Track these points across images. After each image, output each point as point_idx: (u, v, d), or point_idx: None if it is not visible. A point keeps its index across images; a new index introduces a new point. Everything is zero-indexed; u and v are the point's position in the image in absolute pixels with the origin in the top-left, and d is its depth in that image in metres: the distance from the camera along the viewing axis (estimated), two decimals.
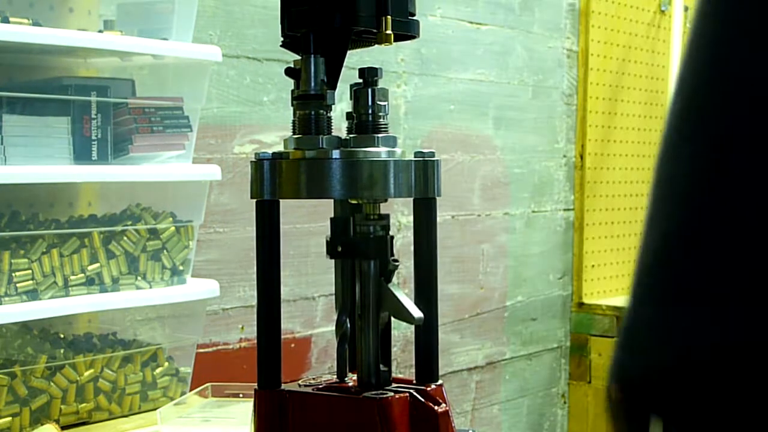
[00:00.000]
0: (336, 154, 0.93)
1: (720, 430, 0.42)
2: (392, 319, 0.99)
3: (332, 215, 1.00)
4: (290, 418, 0.95)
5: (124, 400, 1.67)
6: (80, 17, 1.79)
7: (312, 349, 2.31)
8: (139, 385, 1.69)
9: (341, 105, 1.12)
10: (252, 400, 0.98)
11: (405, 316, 0.94)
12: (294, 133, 0.96)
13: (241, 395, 1.64)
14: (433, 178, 0.97)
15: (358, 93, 0.96)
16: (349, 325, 0.97)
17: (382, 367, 0.96)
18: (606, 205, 3.18)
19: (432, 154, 0.97)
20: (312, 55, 0.94)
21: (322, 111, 0.95)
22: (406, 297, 0.94)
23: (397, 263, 0.96)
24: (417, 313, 0.93)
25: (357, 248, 0.96)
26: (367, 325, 0.96)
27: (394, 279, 0.96)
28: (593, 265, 3.14)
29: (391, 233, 0.98)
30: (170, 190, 1.75)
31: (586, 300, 3.11)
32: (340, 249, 0.96)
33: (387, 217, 0.97)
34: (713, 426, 0.42)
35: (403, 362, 2.48)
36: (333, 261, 0.99)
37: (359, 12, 0.94)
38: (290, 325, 2.24)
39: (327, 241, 0.97)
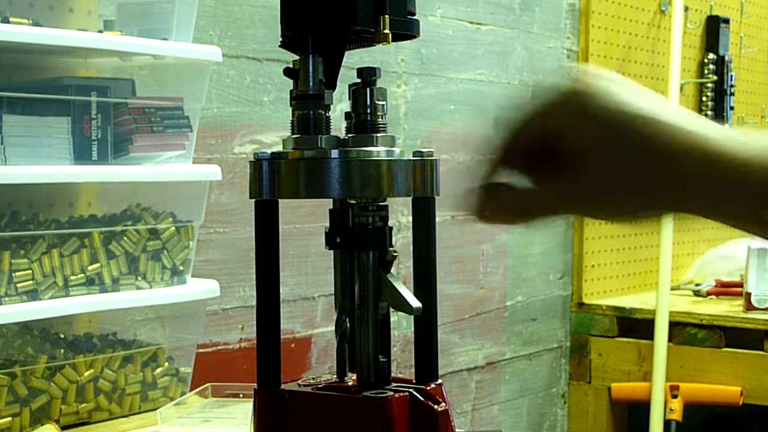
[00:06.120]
0: (334, 153, 0.93)
1: None
2: (392, 318, 0.99)
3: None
4: (290, 418, 0.95)
5: (124, 400, 1.67)
6: (80, 17, 1.79)
7: (312, 349, 2.31)
8: (139, 385, 1.69)
9: (341, 105, 1.12)
10: (252, 400, 0.98)
11: (403, 306, 0.94)
12: (293, 133, 0.96)
13: (241, 395, 1.64)
14: (431, 177, 0.97)
15: (356, 93, 0.96)
16: (348, 325, 0.97)
17: (381, 358, 0.96)
18: None
19: (431, 154, 0.97)
20: (310, 55, 0.94)
21: (320, 111, 0.95)
22: (404, 287, 0.94)
23: (396, 254, 0.95)
24: (415, 303, 0.93)
25: (356, 239, 0.96)
26: (366, 316, 0.96)
27: (393, 271, 0.96)
28: (593, 265, 3.14)
29: (390, 224, 0.97)
30: (170, 190, 1.75)
31: (586, 300, 3.11)
32: (338, 240, 0.96)
33: (386, 208, 0.97)
34: None
35: (403, 362, 2.48)
36: (333, 259, 0.99)
37: (357, 11, 0.94)
38: (290, 325, 2.25)
39: (326, 233, 0.97)
